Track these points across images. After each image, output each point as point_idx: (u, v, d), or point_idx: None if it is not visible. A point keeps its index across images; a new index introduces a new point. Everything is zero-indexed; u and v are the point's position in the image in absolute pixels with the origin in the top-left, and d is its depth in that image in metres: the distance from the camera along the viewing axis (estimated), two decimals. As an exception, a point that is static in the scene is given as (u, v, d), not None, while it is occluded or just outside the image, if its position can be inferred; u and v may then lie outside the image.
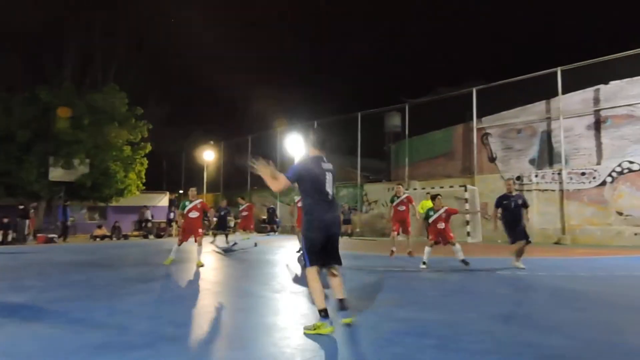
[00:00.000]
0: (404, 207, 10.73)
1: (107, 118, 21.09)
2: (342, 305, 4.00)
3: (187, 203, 9.57)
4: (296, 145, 24.16)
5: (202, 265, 8.82)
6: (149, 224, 22.10)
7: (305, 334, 3.84)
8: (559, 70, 15.96)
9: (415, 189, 18.60)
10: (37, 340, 3.71)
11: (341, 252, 4.19)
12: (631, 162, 14.17)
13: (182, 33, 47.01)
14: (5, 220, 17.47)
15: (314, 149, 4.20)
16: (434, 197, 9.23)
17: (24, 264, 9.84)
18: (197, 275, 8.01)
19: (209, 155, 27.99)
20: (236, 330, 4.13)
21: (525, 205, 8.62)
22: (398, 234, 10.72)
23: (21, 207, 18.26)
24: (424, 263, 8.52)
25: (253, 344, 3.63)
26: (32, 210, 18.52)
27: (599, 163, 15.09)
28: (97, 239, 19.45)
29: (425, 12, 44.43)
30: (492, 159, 17.99)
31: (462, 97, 18.46)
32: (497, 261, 9.61)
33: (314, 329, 3.84)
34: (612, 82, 15.20)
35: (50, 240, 17.49)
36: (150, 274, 8.15)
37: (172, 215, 23.00)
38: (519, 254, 8.36)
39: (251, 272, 8.59)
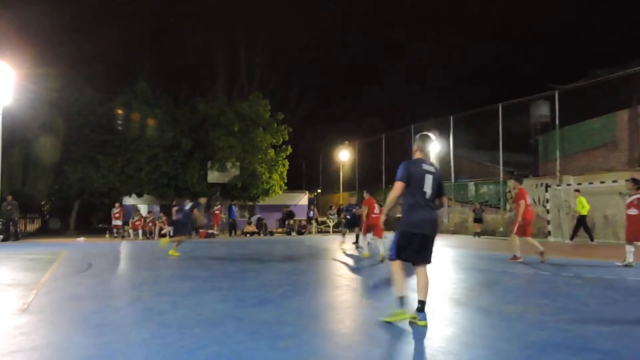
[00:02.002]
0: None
1: (253, 124, 23.14)
2: (421, 306, 4.16)
3: None
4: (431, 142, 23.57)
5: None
6: (292, 222, 23.60)
7: (384, 321, 4.15)
8: None
9: (569, 185, 16.69)
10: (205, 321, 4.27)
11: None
12: None
13: (317, 37, 49.16)
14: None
15: (417, 152, 4.47)
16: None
17: (190, 257, 11.29)
18: (338, 270, 8.33)
19: (344, 155, 28.80)
20: (374, 328, 4.19)
21: None
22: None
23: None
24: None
25: (392, 343, 3.69)
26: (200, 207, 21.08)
27: None
28: (248, 235, 21.40)
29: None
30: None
31: (627, 78, 15.96)
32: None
33: (393, 317, 4.17)
34: None
35: (211, 235, 19.79)
36: (295, 268, 8.73)
37: (311, 213, 24.23)
38: None
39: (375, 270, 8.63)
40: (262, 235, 21.68)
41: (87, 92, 21.00)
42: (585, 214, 14.50)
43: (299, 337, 3.79)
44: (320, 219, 24.64)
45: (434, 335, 3.86)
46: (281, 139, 24.58)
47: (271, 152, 24.51)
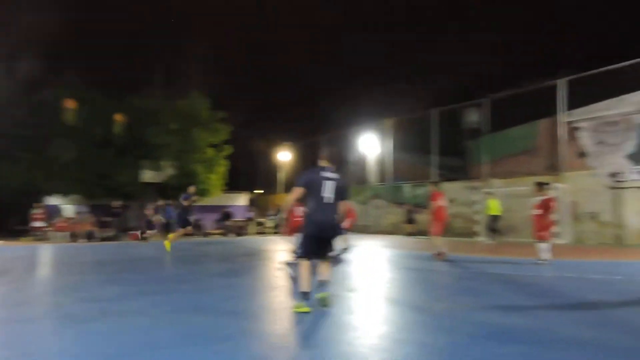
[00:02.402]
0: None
1: (192, 122, 22.47)
2: (322, 284, 4.86)
3: None
4: (369, 144, 24.15)
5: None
6: (230, 223, 23.16)
7: (294, 311, 4.63)
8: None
9: (495, 188, 17.73)
10: (126, 331, 4.07)
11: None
12: None
13: (257, 38, 48.70)
14: (108, 218, 19.32)
15: (322, 160, 4.96)
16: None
17: (120, 260, 10.75)
18: (270, 272, 8.28)
19: (284, 156, 28.72)
20: (310, 329, 4.23)
21: None
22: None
23: (117, 206, 20.04)
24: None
25: (327, 343, 3.71)
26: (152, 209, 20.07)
27: None
28: (185, 237, 20.70)
29: (506, 2, 42.08)
30: (582, 155, 16.65)
31: (547, 89, 17.27)
32: (589, 264, 8.91)
33: (296, 308, 4.66)
34: None
35: (142, 238, 18.94)
36: (231, 270, 8.57)
37: (251, 214, 23.96)
38: None
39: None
40: (196, 236, 21.08)
41: (8, 85, 19.38)
42: (495, 214, 15.41)
43: (234, 340, 3.72)
44: (259, 220, 24.42)
45: (369, 334, 3.94)
46: (221, 138, 24.06)
47: (210, 151, 23.91)
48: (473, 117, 21.37)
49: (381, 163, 23.99)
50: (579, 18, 38.99)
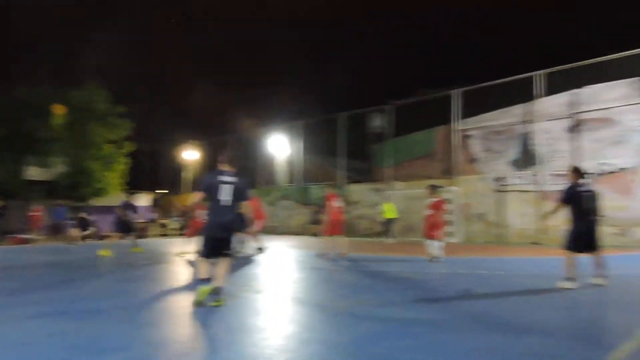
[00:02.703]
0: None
1: (87, 116, 20.72)
2: (217, 291, 4.90)
3: None
4: (279, 145, 24.18)
5: None
6: (129, 224, 21.71)
7: (197, 298, 4.81)
8: (538, 74, 16.24)
9: (397, 190, 18.73)
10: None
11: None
12: (607, 164, 14.51)
13: (163, 33, 46.45)
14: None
15: (221, 164, 5.16)
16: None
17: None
18: (172, 276, 7.93)
19: (190, 155, 27.71)
20: (214, 333, 4.11)
21: None
22: None
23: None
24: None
25: (231, 346, 3.62)
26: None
27: (571, 165, 15.40)
28: (83, 240, 19.01)
29: (410, 15, 44.73)
30: (473, 161, 18.22)
31: (444, 99, 18.65)
32: (477, 261, 9.74)
33: (199, 295, 4.83)
34: (589, 87, 15.53)
35: (25, 241, 17.07)
36: (124, 275, 8.04)
37: (153, 215, 22.70)
38: None
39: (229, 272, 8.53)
40: (86, 239, 19.50)
41: None
42: (391, 217, 16.24)
43: (129, 350, 3.47)
44: (162, 221, 23.24)
45: (275, 335, 3.92)
46: (121, 134, 22.50)
47: (108, 147, 22.24)
48: (378, 122, 22.39)
49: (290, 164, 24.15)
50: (474, 33, 42.78)
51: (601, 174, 14.39)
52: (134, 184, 26.71)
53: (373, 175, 22.04)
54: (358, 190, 21.02)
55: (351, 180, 22.26)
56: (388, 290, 6.34)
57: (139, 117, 25.13)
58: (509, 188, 16.50)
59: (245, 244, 11.54)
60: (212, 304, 4.81)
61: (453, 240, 16.04)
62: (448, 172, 18.51)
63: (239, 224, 12.28)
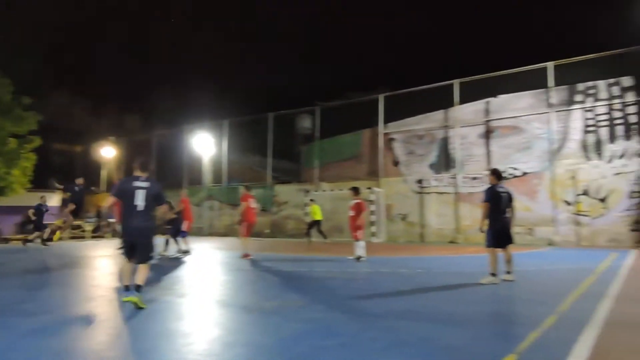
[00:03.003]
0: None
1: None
2: (137, 287, 4.87)
3: None
4: (204, 144, 23.52)
5: None
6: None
7: (123, 301, 4.84)
8: (457, 82, 17.31)
9: (324, 191, 19.00)
10: None
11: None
12: (514, 169, 15.80)
13: (83, 21, 43.30)
14: None
15: (135, 169, 5.18)
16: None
17: None
18: (93, 280, 7.44)
19: (108, 152, 26.13)
20: (134, 339, 3.90)
21: None
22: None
23: None
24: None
25: (152, 353, 3.45)
26: None
27: (488, 169, 16.62)
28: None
29: (340, 18, 45.58)
30: (396, 163, 18.96)
31: (370, 102, 19.25)
32: (399, 260, 10.14)
33: (125, 299, 4.84)
34: (501, 96, 16.81)
35: None
36: (39, 281, 7.40)
37: (66, 216, 20.97)
38: None
39: (151, 276, 8.16)
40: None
41: None
42: (318, 219, 16.44)
43: (35, 362, 3.19)
44: (75, 222, 21.61)
45: (199, 339, 3.80)
46: (27, 128, 20.57)
47: (13, 142, 20.25)
48: (306, 123, 22.59)
49: (216, 164, 23.60)
50: (402, 38, 44.54)
51: (510, 178, 15.62)
52: (43, 183, 24.65)
53: (301, 175, 22.18)
54: (286, 191, 21.04)
55: (279, 181, 22.23)
56: (314, 290, 6.41)
57: (52, 110, 23.30)
58: (428, 190, 17.40)
59: (169, 246, 11.12)
60: (125, 299, 4.80)
61: (376, 240, 16.59)
62: (374, 174, 19.11)
63: (173, 229, 11.98)
